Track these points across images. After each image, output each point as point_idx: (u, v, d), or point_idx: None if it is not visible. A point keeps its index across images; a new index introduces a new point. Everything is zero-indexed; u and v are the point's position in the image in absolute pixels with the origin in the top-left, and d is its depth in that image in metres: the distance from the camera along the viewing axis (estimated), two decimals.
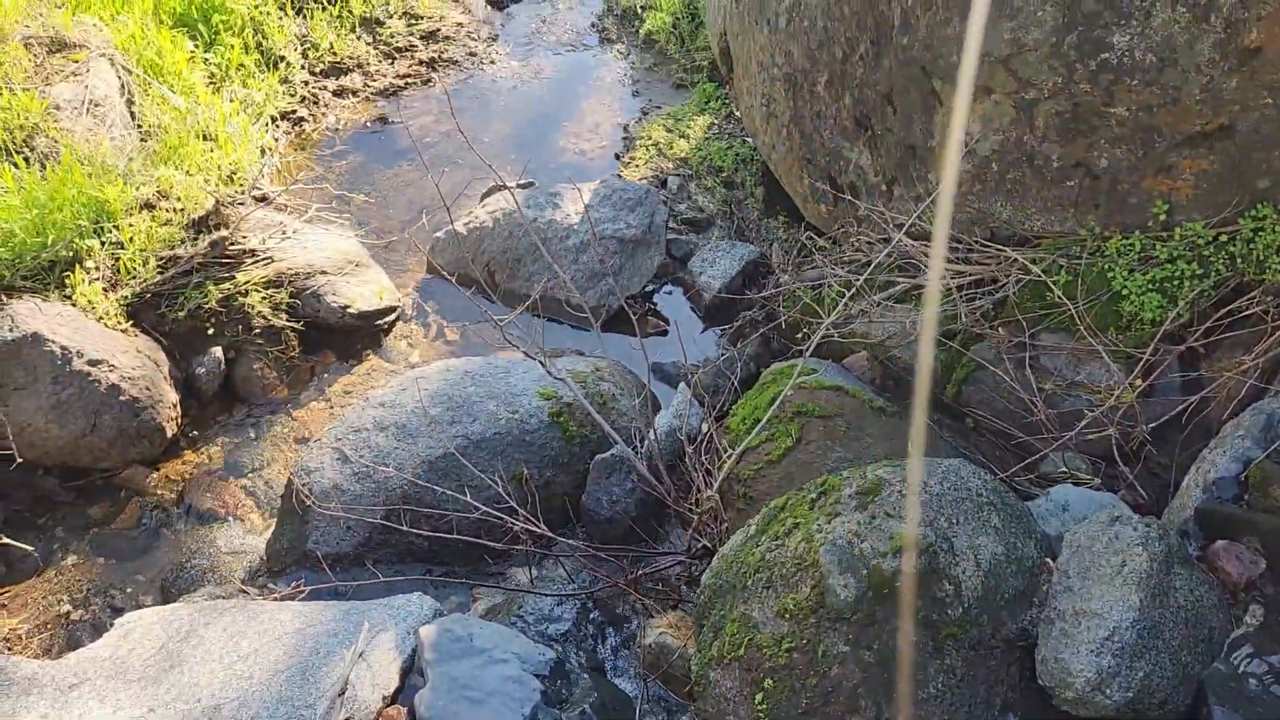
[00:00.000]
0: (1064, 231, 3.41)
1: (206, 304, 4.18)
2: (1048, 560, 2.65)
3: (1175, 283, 3.18)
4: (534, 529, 3.26)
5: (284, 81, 5.64)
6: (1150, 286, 3.19)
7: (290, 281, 4.37)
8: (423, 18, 6.39)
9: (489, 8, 6.75)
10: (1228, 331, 3.13)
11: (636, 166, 5.40)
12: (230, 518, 3.84)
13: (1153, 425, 3.16)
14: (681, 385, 3.85)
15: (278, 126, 5.46)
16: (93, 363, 3.76)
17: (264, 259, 4.37)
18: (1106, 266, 3.27)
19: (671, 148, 5.45)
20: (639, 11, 6.60)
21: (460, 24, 6.47)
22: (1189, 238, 3.19)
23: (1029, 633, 2.54)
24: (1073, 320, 3.27)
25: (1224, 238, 3.15)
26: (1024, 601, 2.57)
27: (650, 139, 5.53)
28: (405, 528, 3.37)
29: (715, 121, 5.60)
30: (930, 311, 3.42)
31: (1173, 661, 2.38)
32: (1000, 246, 3.52)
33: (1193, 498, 2.84)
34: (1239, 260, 3.12)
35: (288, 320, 4.31)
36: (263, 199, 4.80)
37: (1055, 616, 2.49)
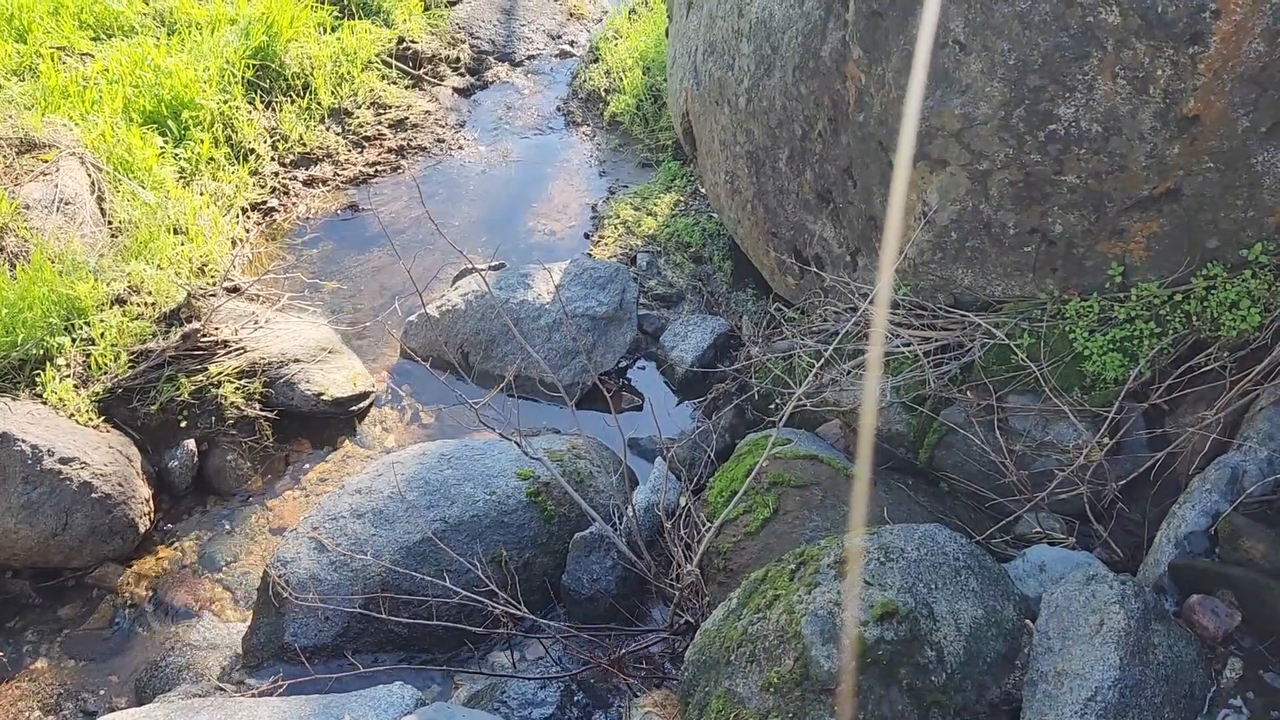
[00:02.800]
0: (1025, 295, 3.50)
1: (179, 396, 4.17)
2: (1027, 622, 2.66)
3: (1135, 342, 3.25)
4: (514, 611, 3.24)
5: (254, 173, 5.71)
6: (1111, 346, 3.27)
7: (263, 371, 4.37)
8: (390, 107, 6.52)
9: (455, 95, 6.90)
10: (1189, 387, 3.20)
11: (606, 245, 5.48)
12: (206, 613, 3.78)
13: (1122, 482, 3.21)
14: (658, 460, 3.87)
15: (248, 217, 5.51)
16: (64, 461, 3.73)
17: (236, 349, 4.38)
18: (1068, 328, 3.35)
19: (640, 225, 5.54)
20: (603, 94, 6.76)
21: (428, 112, 6.60)
22: (1145, 298, 3.28)
23: (1013, 696, 2.54)
24: (1038, 382, 3.33)
25: (1179, 296, 3.25)
26: (1007, 665, 2.57)
27: (618, 217, 5.63)
28: (384, 615, 3.34)
29: (681, 199, 5.72)
30: (873, 378, 3.48)
31: (1156, 719, 2.39)
32: (964, 312, 3.60)
33: (1165, 553, 2.87)
34: (1194, 318, 3.21)
35: (261, 410, 4.30)
36: (234, 290, 4.82)
37: (1038, 678, 2.49)
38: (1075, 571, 2.74)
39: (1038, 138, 3.15)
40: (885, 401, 3.68)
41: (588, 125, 6.68)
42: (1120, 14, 2.90)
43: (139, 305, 4.43)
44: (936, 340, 3.63)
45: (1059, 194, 3.23)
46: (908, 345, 3.64)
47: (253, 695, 3.18)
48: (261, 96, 6.08)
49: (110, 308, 4.35)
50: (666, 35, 5.89)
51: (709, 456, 4.04)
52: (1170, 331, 3.22)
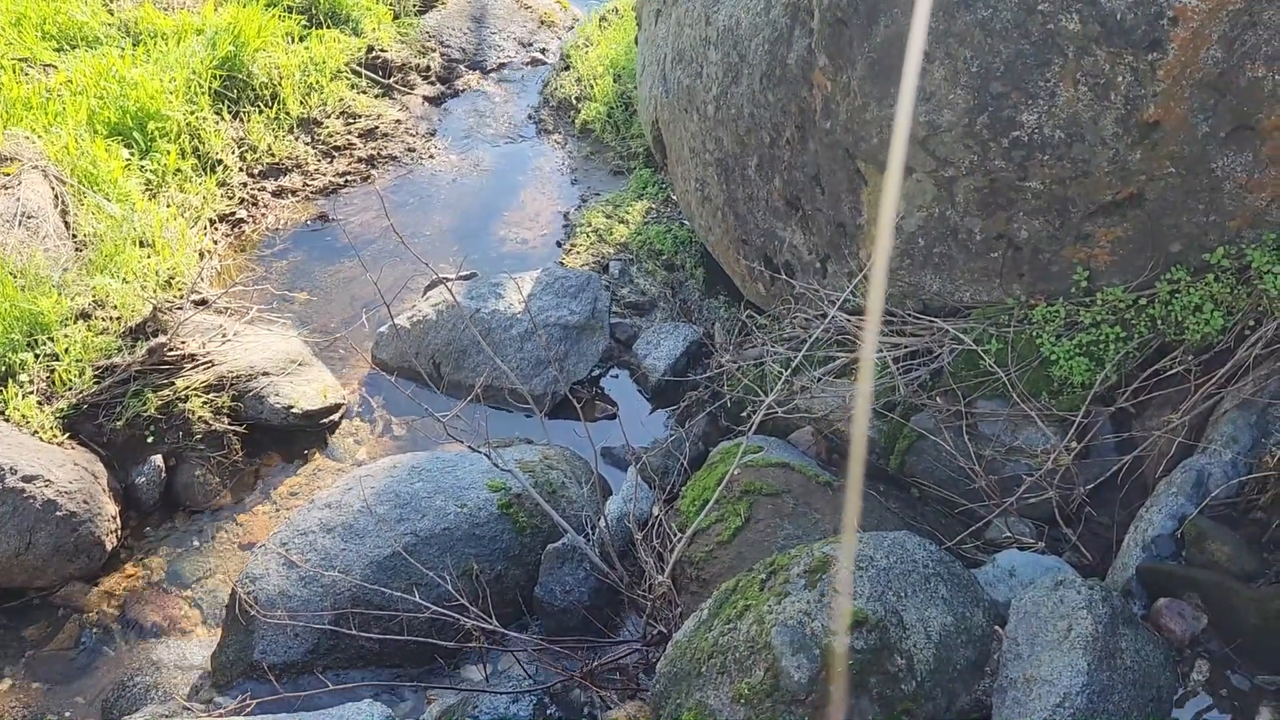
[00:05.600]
0: (992, 301, 3.51)
1: (145, 412, 4.12)
2: (997, 628, 2.67)
3: (1101, 346, 3.27)
4: (486, 625, 3.21)
5: (222, 184, 5.66)
6: (1077, 351, 3.29)
7: (231, 384, 4.33)
8: (360, 116, 6.49)
9: (426, 104, 6.87)
10: (1154, 391, 3.22)
11: (578, 253, 5.47)
12: (174, 631, 3.73)
13: (1091, 486, 3.23)
14: (630, 469, 3.86)
15: (216, 229, 5.47)
16: (27, 479, 3.68)
17: (204, 363, 4.34)
18: (1035, 333, 3.37)
19: (611, 233, 5.54)
20: (574, 102, 6.75)
21: (398, 121, 6.57)
22: (1110, 302, 3.30)
23: (983, 703, 2.55)
24: (1007, 387, 3.35)
25: (1143, 301, 3.27)
26: (976, 671, 2.58)
27: (590, 225, 5.62)
28: (354, 632, 3.30)
29: (653, 206, 5.71)
30: (865, 385, 3.48)
31: None
32: (932, 318, 3.61)
33: (1133, 557, 2.89)
34: (1159, 321, 3.23)
35: (230, 424, 4.26)
36: (202, 302, 4.78)
37: (1007, 685, 2.50)
38: (1044, 577, 2.75)
39: (1001, 144, 3.17)
40: (853, 409, 3.69)
41: (559, 133, 6.67)
42: (1080, 21, 2.92)
43: (104, 320, 4.38)
44: (906, 346, 3.64)
45: (1024, 200, 3.25)
46: (878, 352, 3.65)
47: (221, 715, 3.14)
48: (229, 107, 6.03)
49: (74, 322, 4.30)
50: (636, 43, 5.89)
51: (682, 465, 4.04)
52: (1135, 335, 3.24)
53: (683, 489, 3.78)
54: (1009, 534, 3.25)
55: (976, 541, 3.28)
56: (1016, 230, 3.33)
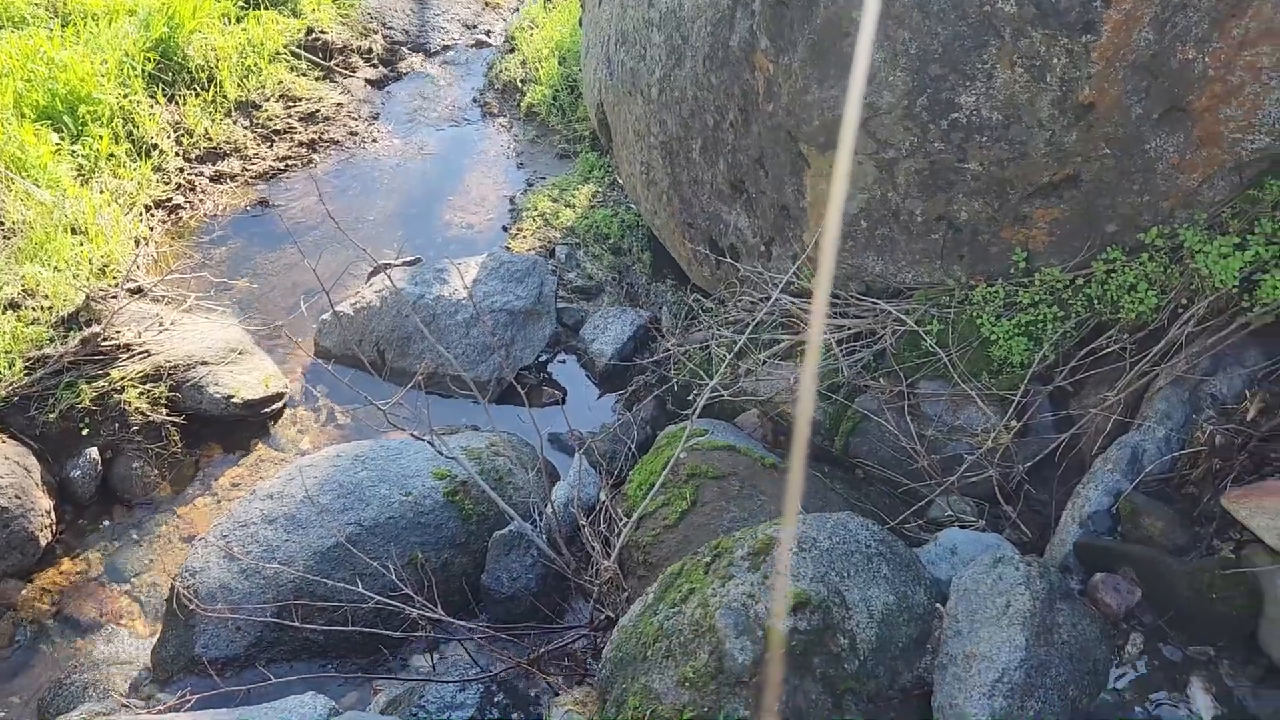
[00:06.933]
0: (933, 282, 3.54)
1: (80, 404, 4.02)
2: (938, 606, 2.70)
3: (1039, 326, 3.32)
4: (432, 614, 3.18)
5: (157, 170, 5.52)
6: (1016, 331, 3.33)
7: (169, 374, 4.24)
8: (301, 99, 6.36)
9: (368, 87, 6.76)
10: (1091, 369, 3.27)
11: (524, 238, 5.43)
12: (112, 627, 3.65)
13: (1030, 464, 3.28)
14: (576, 454, 3.84)
15: (152, 215, 5.33)
16: None
17: (140, 353, 4.23)
18: (975, 314, 3.40)
19: (558, 217, 5.50)
20: (519, 85, 6.68)
21: (340, 104, 6.46)
22: (1048, 282, 3.34)
23: (925, 680, 2.58)
24: (948, 368, 3.38)
25: (1080, 281, 3.31)
26: (918, 649, 2.61)
27: (536, 210, 5.57)
28: (298, 624, 3.26)
29: (599, 190, 5.68)
30: (810, 368, 3.50)
31: (1061, 698, 2.44)
32: (875, 300, 3.63)
33: (1071, 533, 2.94)
34: (1095, 301, 3.28)
35: (168, 415, 4.17)
36: (137, 291, 4.66)
37: (948, 662, 2.53)
38: (984, 554, 2.78)
39: (941, 126, 3.19)
40: (800, 390, 3.70)
41: (505, 116, 6.60)
42: (1016, 3, 2.94)
43: (35, 309, 4.26)
44: (849, 328, 3.66)
45: (963, 182, 3.28)
46: (822, 334, 3.67)
47: (160, 711, 3.08)
48: (164, 90, 5.88)
49: (3, 313, 4.17)
50: (581, 25, 5.84)
51: (630, 449, 4.03)
52: (1073, 315, 3.29)
53: (630, 473, 3.77)
54: (951, 513, 3.29)
55: (919, 521, 3.31)
56: (956, 212, 3.36)
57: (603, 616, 3.30)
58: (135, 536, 3.96)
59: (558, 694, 3.14)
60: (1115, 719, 2.50)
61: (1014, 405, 3.26)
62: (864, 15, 3.16)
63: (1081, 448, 3.23)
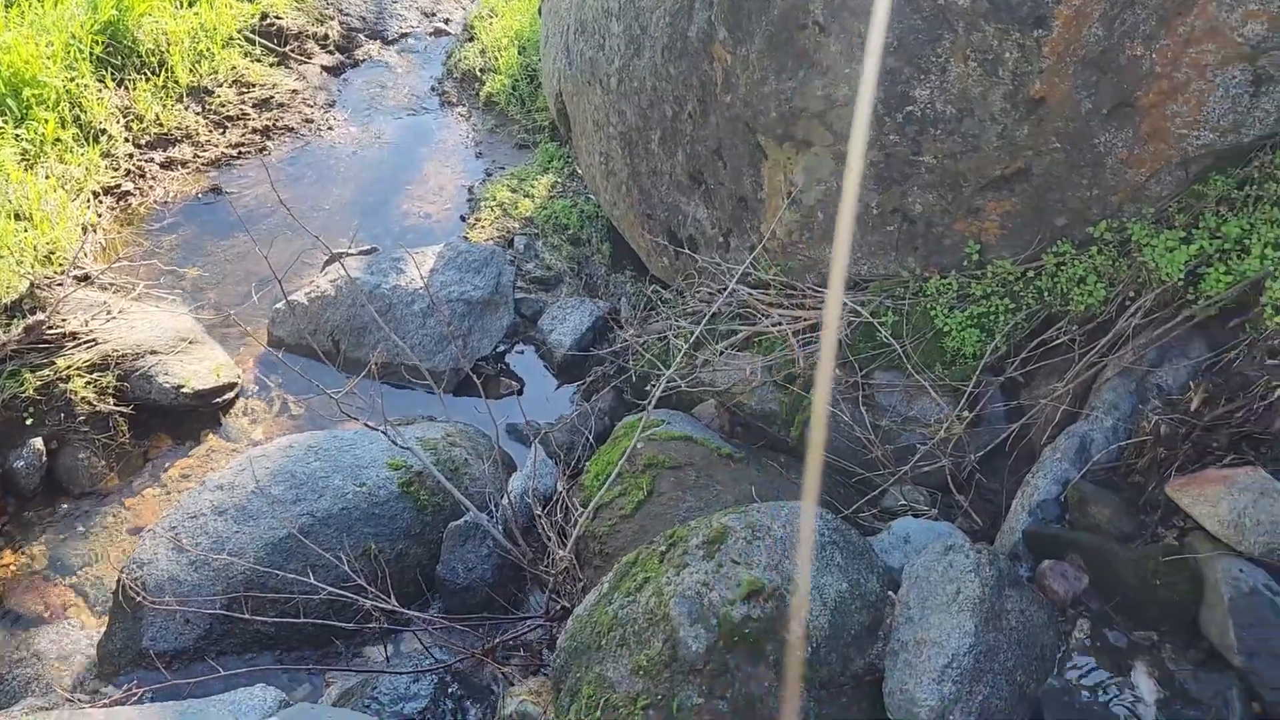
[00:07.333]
0: (888, 274, 3.57)
1: (24, 393, 3.93)
2: (890, 593, 2.73)
3: (991, 318, 3.36)
4: (385, 605, 3.16)
5: (106, 155, 5.41)
6: (969, 322, 3.37)
7: (117, 363, 4.16)
8: (255, 85, 6.26)
9: (324, 74, 6.67)
10: (1042, 360, 3.32)
11: (483, 227, 5.39)
12: (57, 621, 3.58)
13: (981, 454, 3.32)
14: (533, 445, 3.83)
15: (100, 202, 5.22)
16: None
17: (87, 341, 4.15)
18: (929, 306, 3.43)
19: (517, 207, 5.47)
20: (478, 74, 6.63)
21: (295, 91, 6.37)
22: (1000, 275, 3.38)
23: (876, 666, 2.60)
24: (902, 358, 3.41)
25: (1031, 273, 3.36)
26: (870, 636, 2.63)
27: (495, 200, 5.54)
28: (248, 616, 3.22)
29: (559, 180, 5.66)
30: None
31: (1009, 682, 2.48)
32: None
33: (1020, 521, 2.98)
34: (1046, 293, 3.32)
35: (115, 404, 4.09)
36: (84, 278, 4.57)
37: (899, 648, 2.56)
38: (935, 542, 2.81)
39: (895, 119, 3.21)
40: (758, 381, 3.72)
41: (463, 105, 6.55)
42: None
43: None
44: (806, 320, 3.68)
45: (917, 174, 3.31)
46: (778, 325, 3.69)
47: (105, 705, 3.03)
48: (113, 74, 5.76)
49: None
50: (540, 14, 5.80)
51: (587, 440, 4.02)
52: (1024, 307, 3.33)
53: (587, 464, 3.77)
54: (904, 502, 3.32)
55: (873, 510, 3.34)
56: (911, 204, 3.39)
57: (558, 607, 3.30)
58: (81, 528, 3.88)
59: (513, 684, 3.14)
60: (1061, 703, 2.55)
61: (966, 396, 3.30)
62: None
63: (1032, 437, 3.28)
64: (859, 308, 3.53)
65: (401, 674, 3.16)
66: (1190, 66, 2.95)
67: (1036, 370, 3.36)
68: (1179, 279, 3.04)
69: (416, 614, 3.26)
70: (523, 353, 4.79)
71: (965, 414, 3.30)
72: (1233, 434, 2.85)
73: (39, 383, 3.96)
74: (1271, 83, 2.98)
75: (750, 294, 3.81)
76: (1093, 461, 2.98)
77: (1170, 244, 3.07)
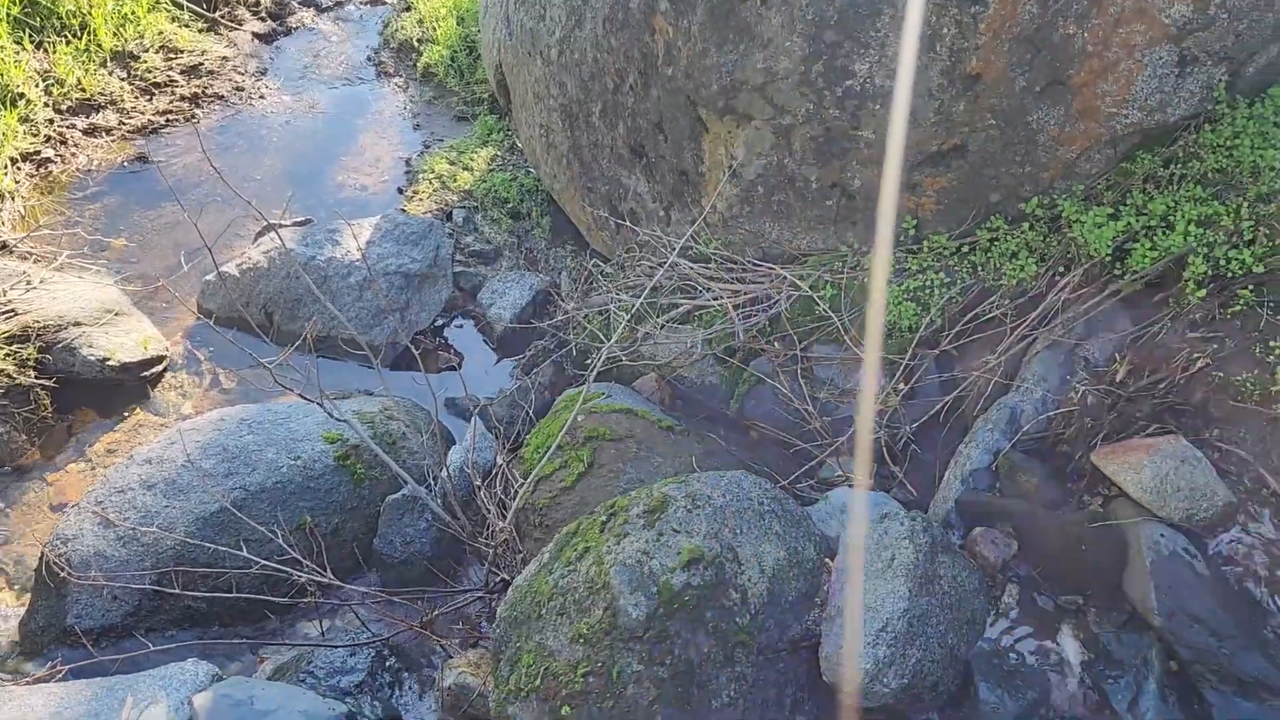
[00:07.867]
0: (828, 248, 3.60)
1: None
2: (827, 560, 2.77)
3: (927, 291, 3.41)
4: (320, 579, 3.12)
5: (25, 120, 5.21)
6: (906, 296, 3.42)
7: (38, 335, 4.02)
8: (183, 51, 6.07)
9: (256, 41, 6.50)
10: (975, 334, 3.39)
11: (420, 200, 5.31)
12: None
13: (916, 425, 3.37)
14: (473, 418, 3.80)
15: (19, 169, 5.03)
16: None
17: (5, 312, 4.00)
18: (867, 279, 3.48)
19: (455, 180, 5.40)
20: (416, 44, 6.52)
21: (225, 58, 6.19)
22: (936, 249, 3.44)
23: (813, 632, 2.64)
24: (840, 331, 3.45)
25: (965, 248, 3.42)
26: (808, 602, 2.67)
27: (433, 172, 5.46)
28: (179, 591, 3.15)
29: (498, 153, 5.60)
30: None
31: (941, 645, 2.53)
32: (771, 265, 3.68)
33: (954, 490, 3.05)
34: (979, 268, 3.39)
35: (37, 377, 3.96)
36: (2, 247, 4.40)
37: (835, 614, 2.60)
38: (871, 511, 2.86)
39: (835, 93, 3.24)
40: (698, 354, 3.73)
41: (400, 76, 6.43)
42: None
43: None
44: (746, 293, 3.70)
45: (856, 149, 3.34)
46: (718, 299, 3.70)
47: (27, 683, 2.94)
48: (31, 36, 5.53)
49: None
50: None
51: (527, 414, 4.00)
52: (958, 281, 3.39)
53: (527, 437, 3.75)
54: (841, 472, 3.37)
55: (810, 480, 3.38)
56: (850, 179, 3.42)
57: (498, 579, 3.28)
58: (1, 505, 3.76)
59: (451, 657, 3.12)
60: (991, 665, 2.61)
61: (902, 368, 3.35)
62: None
63: (965, 409, 3.34)
64: (798, 281, 3.56)
65: (338, 648, 3.12)
66: (1120, 46, 3.02)
67: (970, 343, 3.42)
68: (1107, 255, 3.12)
69: (354, 588, 3.23)
70: (462, 326, 4.75)
71: (901, 386, 3.35)
72: (1156, 404, 2.94)
73: None
74: (1196, 64, 3.06)
75: (691, 267, 3.82)
76: (1022, 432, 3.05)
77: (1099, 220, 3.15)
